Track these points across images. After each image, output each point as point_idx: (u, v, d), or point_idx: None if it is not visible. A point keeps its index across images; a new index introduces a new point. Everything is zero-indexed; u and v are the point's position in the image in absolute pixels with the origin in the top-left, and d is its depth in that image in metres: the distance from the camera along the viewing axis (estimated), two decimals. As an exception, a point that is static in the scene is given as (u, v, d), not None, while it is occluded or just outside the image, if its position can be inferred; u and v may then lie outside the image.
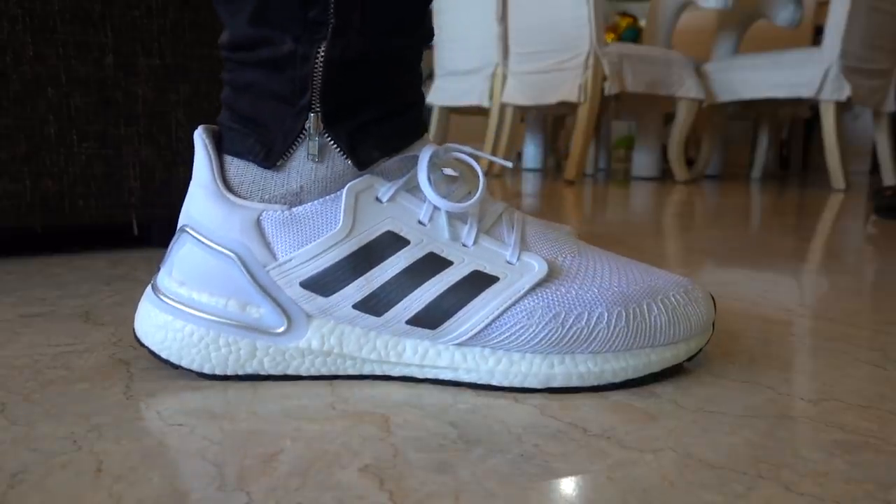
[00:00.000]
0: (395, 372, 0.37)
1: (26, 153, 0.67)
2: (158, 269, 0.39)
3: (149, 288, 0.38)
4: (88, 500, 0.25)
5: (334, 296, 0.35)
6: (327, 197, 0.36)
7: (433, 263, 0.36)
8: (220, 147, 0.38)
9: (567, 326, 0.35)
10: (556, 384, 0.36)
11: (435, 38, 2.67)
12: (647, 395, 0.36)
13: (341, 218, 0.35)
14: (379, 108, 0.37)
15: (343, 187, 0.36)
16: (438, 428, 0.31)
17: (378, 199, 0.36)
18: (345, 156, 0.36)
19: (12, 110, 0.66)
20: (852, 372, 0.40)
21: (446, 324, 0.36)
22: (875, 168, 2.93)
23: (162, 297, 0.37)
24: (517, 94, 2.31)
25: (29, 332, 0.45)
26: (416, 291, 0.35)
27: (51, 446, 0.29)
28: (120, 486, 0.25)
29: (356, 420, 0.32)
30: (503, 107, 2.40)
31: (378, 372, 0.37)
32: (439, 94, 2.65)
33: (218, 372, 0.36)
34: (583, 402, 0.35)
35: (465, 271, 0.36)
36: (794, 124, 3.34)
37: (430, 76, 2.84)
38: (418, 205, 0.36)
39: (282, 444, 0.29)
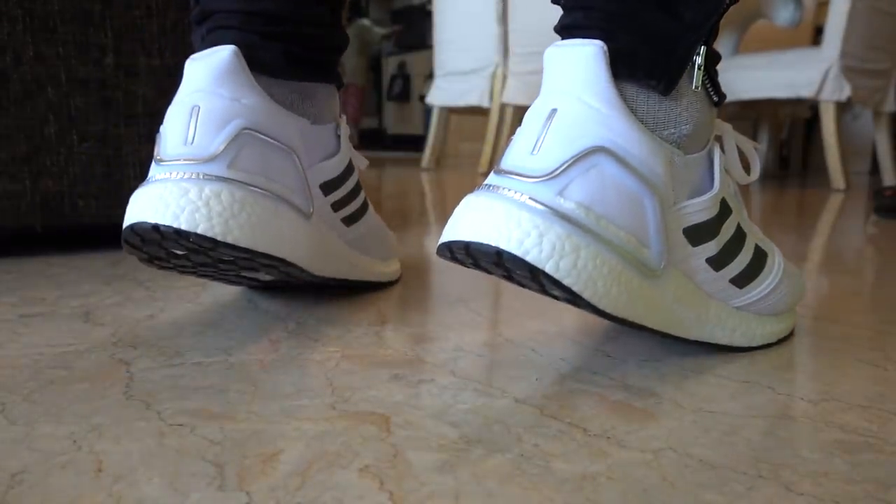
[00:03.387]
0: (698, 335, 0.41)
1: (26, 153, 0.67)
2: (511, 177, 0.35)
3: (512, 197, 0.34)
4: (88, 500, 0.25)
5: (699, 247, 0.39)
6: (702, 152, 0.39)
7: (741, 233, 0.41)
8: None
9: (782, 294, 0.44)
10: (782, 336, 0.45)
11: (435, 38, 2.67)
12: (647, 395, 0.36)
13: (718, 178, 0.39)
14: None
15: (705, 138, 0.39)
16: (438, 428, 0.31)
17: (717, 167, 0.39)
18: (713, 94, 0.38)
19: (12, 110, 0.66)
20: (852, 372, 0.40)
21: (747, 287, 0.42)
22: (875, 168, 2.93)
23: (555, 213, 0.33)
24: (517, 94, 2.30)
25: (29, 332, 0.45)
26: (739, 255, 0.41)
27: (51, 446, 0.29)
28: (120, 486, 0.25)
29: (356, 420, 0.32)
30: (503, 107, 2.40)
31: (692, 336, 0.41)
32: (439, 94, 2.65)
33: (609, 310, 0.34)
34: (583, 402, 0.35)
35: (753, 244, 0.42)
36: (794, 124, 3.34)
37: (430, 76, 2.83)
38: (727, 177, 0.40)
39: (282, 444, 0.29)
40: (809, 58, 2.03)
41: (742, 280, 0.42)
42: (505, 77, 2.36)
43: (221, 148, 0.40)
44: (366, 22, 4.98)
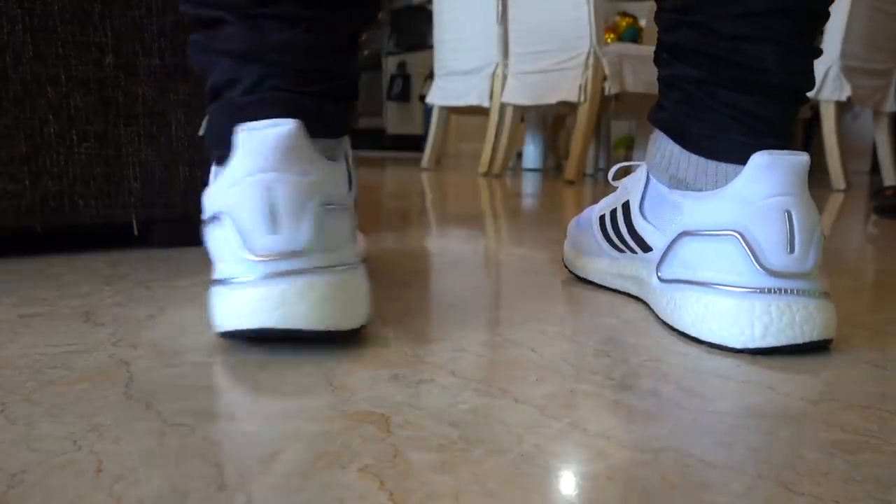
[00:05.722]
0: None
1: (26, 153, 0.67)
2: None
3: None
4: (88, 500, 0.25)
5: None
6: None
7: None
8: None
9: None
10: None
11: (435, 38, 2.66)
12: (647, 395, 0.36)
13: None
14: None
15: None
16: (438, 428, 0.31)
17: None
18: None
19: (12, 110, 0.66)
20: (852, 372, 0.40)
21: None
22: (875, 168, 2.93)
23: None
24: (517, 94, 2.31)
25: (29, 332, 0.45)
26: None
27: (51, 446, 0.29)
28: (120, 486, 0.25)
29: (356, 420, 0.32)
30: (503, 107, 2.40)
31: None
32: (439, 94, 2.65)
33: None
34: (583, 402, 0.35)
35: None
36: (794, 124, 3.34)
37: (430, 76, 2.83)
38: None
39: (282, 444, 0.29)
40: (809, 58, 2.02)
41: None
42: (505, 77, 2.36)
43: (309, 236, 0.40)
44: None
